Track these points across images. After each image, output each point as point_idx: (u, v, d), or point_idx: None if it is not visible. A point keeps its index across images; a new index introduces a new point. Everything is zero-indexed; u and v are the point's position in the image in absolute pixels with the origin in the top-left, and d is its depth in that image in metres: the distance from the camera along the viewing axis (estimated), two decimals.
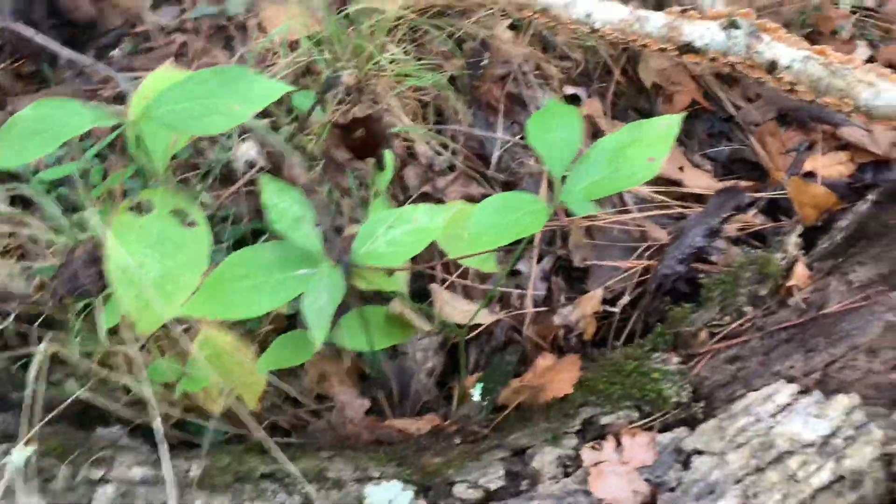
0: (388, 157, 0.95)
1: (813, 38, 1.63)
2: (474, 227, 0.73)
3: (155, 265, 0.76)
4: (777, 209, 1.35)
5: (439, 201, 1.13)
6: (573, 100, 1.43)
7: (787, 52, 1.10)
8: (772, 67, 1.10)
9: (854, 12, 1.77)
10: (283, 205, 0.77)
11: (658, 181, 1.33)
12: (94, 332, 0.87)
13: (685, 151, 1.44)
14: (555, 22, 1.18)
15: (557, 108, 0.81)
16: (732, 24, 1.12)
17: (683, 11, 1.16)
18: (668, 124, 0.80)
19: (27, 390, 0.78)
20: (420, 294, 1.09)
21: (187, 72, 0.86)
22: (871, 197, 1.20)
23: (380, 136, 0.89)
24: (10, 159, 0.75)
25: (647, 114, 1.46)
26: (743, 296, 0.99)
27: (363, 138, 0.92)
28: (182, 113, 0.76)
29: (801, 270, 1.02)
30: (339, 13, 1.31)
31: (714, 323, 0.97)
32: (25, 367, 0.87)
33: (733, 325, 0.96)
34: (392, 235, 0.76)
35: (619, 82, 1.46)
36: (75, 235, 0.93)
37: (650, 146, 0.79)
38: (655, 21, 1.15)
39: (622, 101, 1.47)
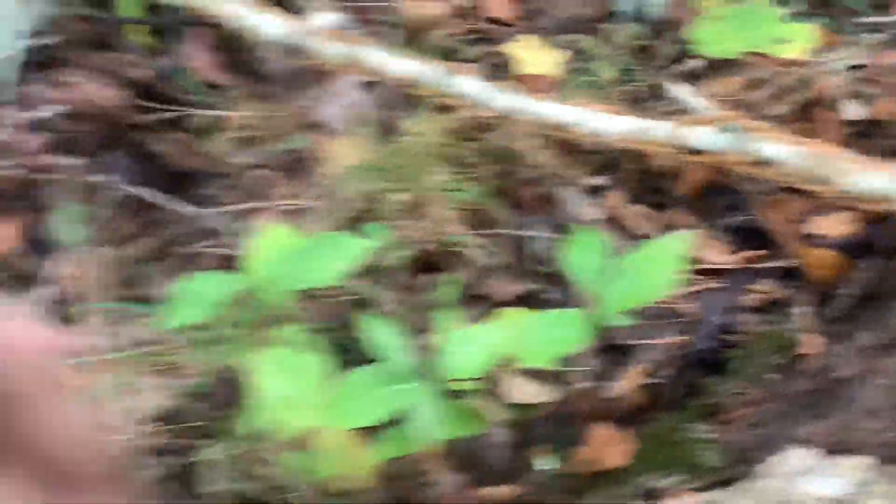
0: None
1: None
2: (529, 345, 0.94)
3: (286, 387, 0.99)
4: (791, 276, 1.52)
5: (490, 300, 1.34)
6: (597, 190, 1.65)
7: (776, 147, 1.30)
8: (765, 162, 1.30)
9: (852, 69, 1.93)
10: (381, 335, 0.99)
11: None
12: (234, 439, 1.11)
13: (705, 226, 1.63)
14: (566, 135, 1.40)
15: (583, 232, 1.02)
16: (727, 128, 1.32)
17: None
18: (681, 242, 1.00)
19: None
20: None
21: (292, 231, 1.10)
22: (877, 258, 1.35)
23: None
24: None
25: (663, 193, 1.66)
26: (762, 366, 1.17)
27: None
28: (296, 273, 1.01)
29: (810, 339, 1.20)
30: (388, 142, 1.55)
31: (738, 392, 1.15)
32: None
33: (754, 394, 1.13)
34: (467, 350, 0.97)
35: (629, 169, 1.67)
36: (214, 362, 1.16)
37: (666, 262, 0.99)
38: (661, 130, 1.36)
39: (639, 184, 1.68)
